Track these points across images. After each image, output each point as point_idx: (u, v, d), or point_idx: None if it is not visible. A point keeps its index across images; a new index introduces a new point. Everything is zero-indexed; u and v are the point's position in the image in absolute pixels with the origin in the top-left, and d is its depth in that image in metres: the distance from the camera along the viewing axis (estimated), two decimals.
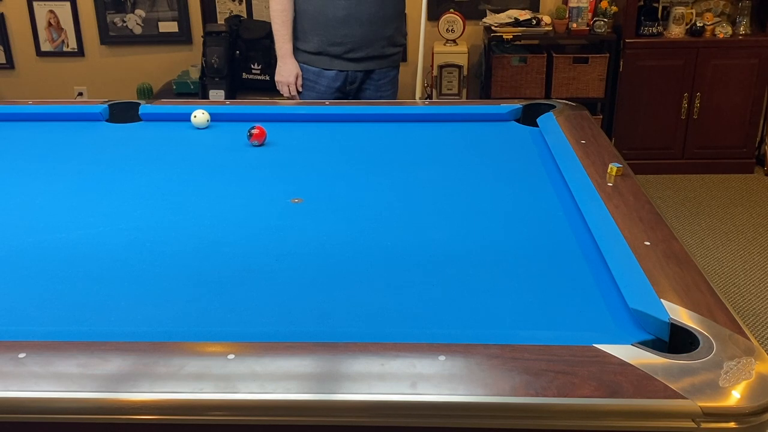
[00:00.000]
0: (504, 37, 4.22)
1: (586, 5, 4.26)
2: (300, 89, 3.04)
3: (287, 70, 3.01)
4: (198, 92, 4.29)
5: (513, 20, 4.31)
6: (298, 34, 3.00)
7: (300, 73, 3.02)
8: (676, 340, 1.21)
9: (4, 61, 4.73)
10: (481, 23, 4.46)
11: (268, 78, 4.24)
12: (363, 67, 2.99)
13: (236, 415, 1.09)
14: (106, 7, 4.58)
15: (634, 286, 1.33)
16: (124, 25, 4.62)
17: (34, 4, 4.58)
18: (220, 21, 4.55)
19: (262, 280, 1.45)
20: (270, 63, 4.17)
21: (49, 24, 4.63)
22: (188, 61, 4.60)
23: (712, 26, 4.26)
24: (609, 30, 4.28)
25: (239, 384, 1.10)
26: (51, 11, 4.59)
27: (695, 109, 4.33)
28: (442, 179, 1.97)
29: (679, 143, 4.43)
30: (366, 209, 1.80)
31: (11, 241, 1.62)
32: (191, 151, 2.20)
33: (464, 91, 4.35)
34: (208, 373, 1.12)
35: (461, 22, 4.27)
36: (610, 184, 1.78)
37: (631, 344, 1.18)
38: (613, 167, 1.81)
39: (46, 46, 4.69)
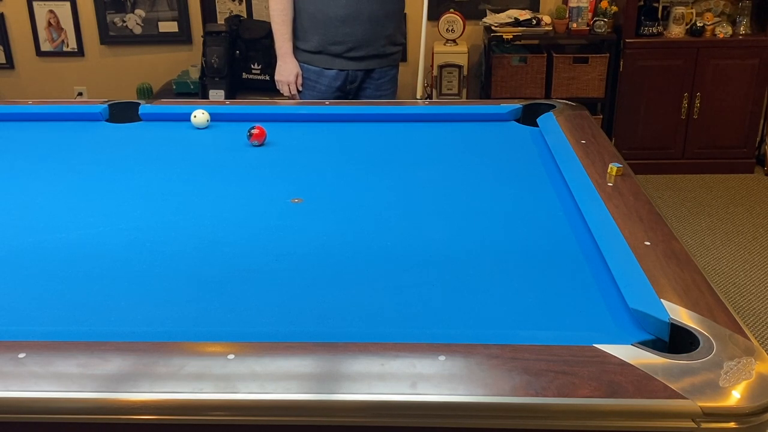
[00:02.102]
0: (504, 37, 4.22)
1: (586, 5, 4.26)
2: (300, 88, 3.04)
3: (287, 70, 3.01)
4: (198, 92, 4.29)
5: (513, 20, 4.31)
6: (298, 33, 3.00)
7: (300, 72, 3.01)
8: (676, 340, 1.21)
9: (4, 61, 4.72)
10: (481, 23, 4.46)
11: (268, 78, 4.24)
12: (363, 66, 2.99)
13: (236, 415, 1.09)
14: (106, 7, 4.58)
15: (634, 286, 1.33)
16: (124, 25, 4.62)
17: (34, 4, 4.58)
18: (220, 21, 4.55)
19: (262, 280, 1.45)
20: (270, 63, 4.17)
21: (49, 24, 4.63)
22: (188, 61, 4.60)
23: (712, 26, 4.26)
24: (609, 30, 4.28)
25: (239, 384, 1.10)
26: (51, 11, 4.59)
27: (695, 109, 4.33)
28: (443, 179, 1.97)
29: (679, 143, 4.43)
30: (366, 209, 1.80)
31: (11, 241, 1.62)
32: (191, 151, 2.20)
33: (464, 91, 4.35)
34: (208, 373, 1.12)
35: (461, 22, 4.27)
36: (610, 184, 1.78)
37: (631, 344, 1.18)
38: (613, 167, 1.81)
39: (46, 46, 4.69)
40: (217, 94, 4.17)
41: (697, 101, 4.31)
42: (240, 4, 4.58)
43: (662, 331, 1.23)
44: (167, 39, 4.65)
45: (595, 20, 4.26)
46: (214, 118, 2.37)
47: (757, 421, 1.06)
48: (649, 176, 4.37)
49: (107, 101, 2.49)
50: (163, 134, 2.33)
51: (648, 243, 1.48)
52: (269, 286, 1.43)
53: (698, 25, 4.23)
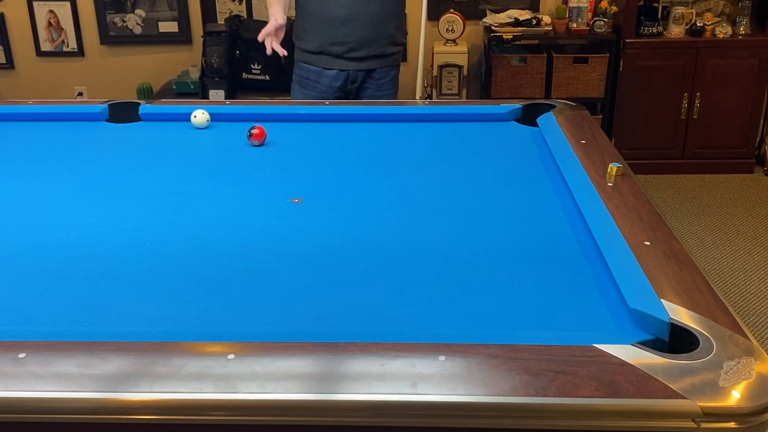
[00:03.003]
0: (504, 37, 4.22)
1: (586, 5, 4.26)
2: (280, 44, 2.75)
3: (269, 25, 2.73)
4: (198, 92, 4.29)
5: (513, 20, 4.31)
6: (299, 33, 2.99)
7: (283, 24, 2.75)
8: (676, 340, 1.21)
9: (4, 61, 4.73)
10: (481, 23, 4.47)
11: (268, 78, 4.24)
12: (364, 66, 2.99)
13: (236, 415, 1.09)
14: (106, 7, 4.58)
15: (634, 286, 1.33)
16: (124, 25, 4.62)
17: (34, 4, 4.58)
18: (220, 21, 4.55)
19: (262, 280, 1.45)
20: (270, 63, 4.17)
21: (49, 24, 4.63)
22: (188, 61, 4.60)
23: (712, 26, 4.26)
24: (609, 30, 4.28)
25: (239, 384, 1.10)
26: (51, 11, 4.59)
27: (695, 109, 4.33)
28: (442, 179, 1.97)
29: (679, 143, 4.43)
30: (366, 209, 1.79)
31: (11, 241, 1.62)
32: (191, 151, 2.20)
33: (464, 91, 4.35)
34: (208, 373, 1.12)
35: (461, 22, 4.27)
36: (610, 184, 1.78)
37: (631, 344, 1.18)
38: (613, 167, 1.81)
39: (46, 46, 4.69)
40: (217, 94, 4.17)
41: (697, 101, 4.31)
42: (240, 4, 4.59)
43: (662, 331, 1.23)
44: (167, 39, 4.65)
45: (595, 20, 4.26)
46: (214, 118, 2.37)
47: (757, 421, 1.05)
48: (649, 176, 4.37)
49: (107, 101, 2.49)
50: (163, 134, 2.33)
51: (648, 243, 1.48)
52: (269, 286, 1.43)
53: (698, 25, 4.23)
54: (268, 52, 2.77)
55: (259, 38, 2.77)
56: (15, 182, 1.96)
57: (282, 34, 2.77)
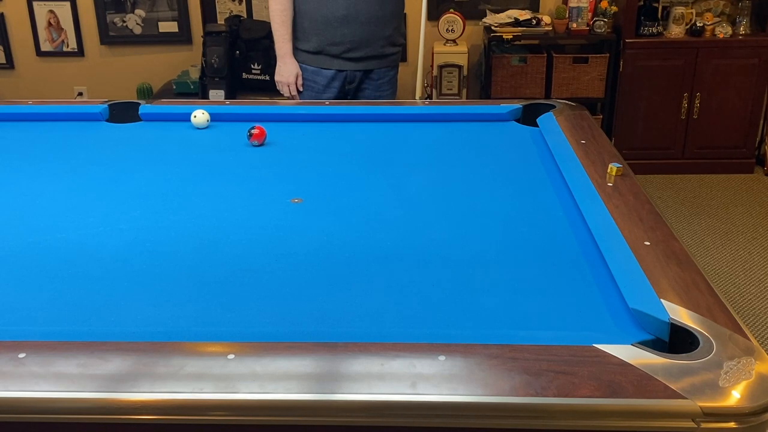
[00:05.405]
0: (504, 37, 4.22)
1: (586, 5, 4.26)
2: (300, 89, 3.04)
3: (287, 71, 3.02)
4: (198, 92, 4.29)
5: (513, 20, 4.31)
6: (297, 33, 3.00)
7: (300, 72, 3.02)
8: (676, 340, 1.21)
9: (4, 61, 4.73)
10: (481, 23, 4.47)
11: (268, 78, 4.24)
12: (362, 66, 2.99)
13: (236, 415, 1.09)
14: (106, 7, 4.58)
15: (634, 286, 1.33)
16: (124, 25, 4.62)
17: (34, 4, 4.58)
18: (220, 21, 4.55)
19: (262, 280, 1.45)
20: (270, 63, 4.17)
21: (49, 24, 4.63)
22: (188, 61, 4.60)
23: (712, 26, 4.26)
24: (609, 30, 4.28)
25: (239, 384, 1.10)
26: (51, 11, 4.59)
27: (695, 109, 4.33)
28: (442, 179, 1.97)
29: (679, 143, 4.43)
30: (366, 209, 1.80)
31: (11, 241, 1.62)
32: (191, 151, 2.20)
33: (464, 91, 4.35)
34: (208, 373, 1.12)
35: (461, 22, 4.27)
36: (610, 184, 1.78)
37: (631, 344, 1.18)
38: (613, 167, 1.81)
39: (46, 46, 4.69)
40: (217, 94, 4.17)
41: (697, 101, 4.31)
42: (240, 4, 4.59)
43: (662, 331, 1.23)
44: (167, 39, 4.65)
45: (595, 20, 4.26)
46: (214, 118, 2.37)
47: (757, 421, 1.06)
48: (649, 176, 4.37)
49: (107, 101, 2.49)
50: (163, 134, 2.33)
51: (648, 243, 1.48)
52: (269, 286, 1.44)
53: (698, 25, 4.23)
54: (286, 95, 3.08)
55: (282, 90, 3.08)
56: (15, 182, 1.96)
57: (300, 80, 3.04)
